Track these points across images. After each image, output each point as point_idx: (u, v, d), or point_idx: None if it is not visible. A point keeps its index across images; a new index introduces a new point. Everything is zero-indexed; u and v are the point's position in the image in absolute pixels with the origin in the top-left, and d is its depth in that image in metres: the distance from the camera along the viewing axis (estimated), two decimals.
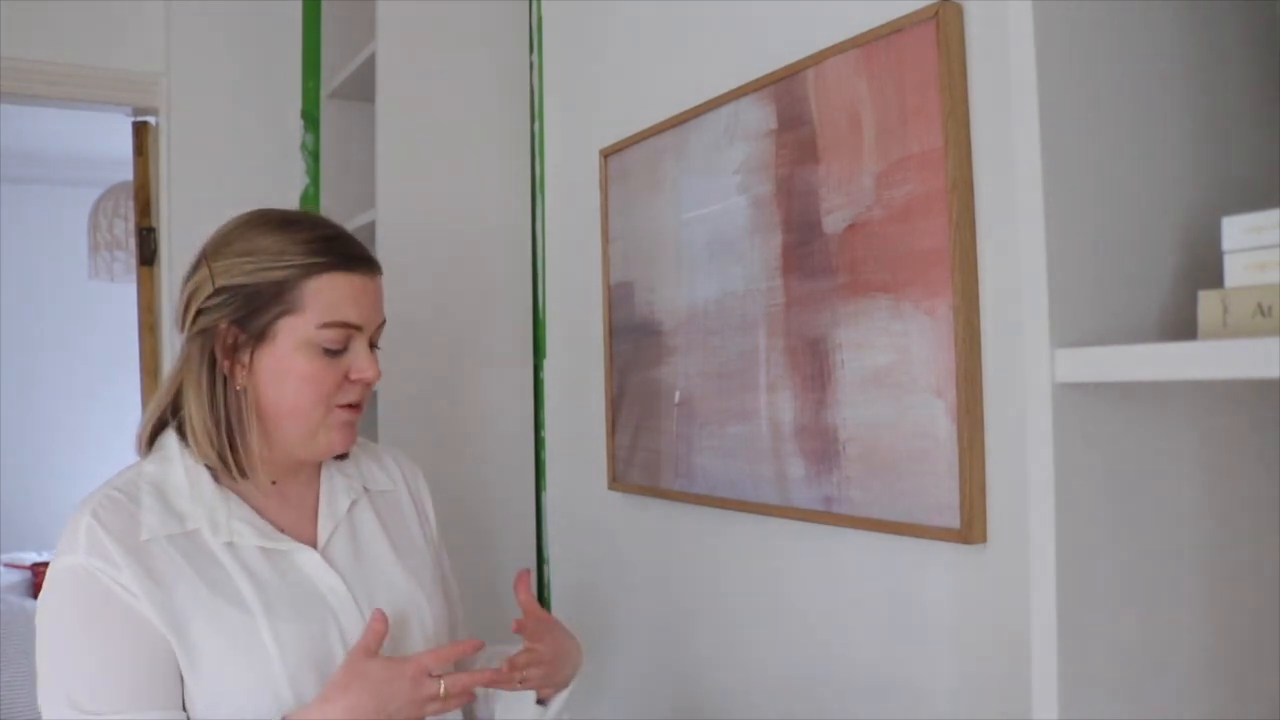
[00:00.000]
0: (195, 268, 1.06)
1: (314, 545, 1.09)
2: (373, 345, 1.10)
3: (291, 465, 1.11)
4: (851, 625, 1.28)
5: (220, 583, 1.00)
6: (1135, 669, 0.70)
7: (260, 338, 1.03)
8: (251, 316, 1.03)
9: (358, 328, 1.06)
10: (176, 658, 0.97)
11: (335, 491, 1.15)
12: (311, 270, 1.03)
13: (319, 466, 1.16)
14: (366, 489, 1.19)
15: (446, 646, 1.06)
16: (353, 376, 1.07)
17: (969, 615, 1.12)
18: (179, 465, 1.05)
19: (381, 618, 1.01)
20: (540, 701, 1.17)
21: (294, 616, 1.02)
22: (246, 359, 1.03)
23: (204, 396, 1.03)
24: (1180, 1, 0.75)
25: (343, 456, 1.18)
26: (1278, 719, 0.77)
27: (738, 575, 1.50)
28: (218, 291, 1.03)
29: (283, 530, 1.08)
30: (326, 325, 1.03)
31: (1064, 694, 0.66)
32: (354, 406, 1.09)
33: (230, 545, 1.03)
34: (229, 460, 1.04)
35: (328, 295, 1.03)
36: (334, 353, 1.05)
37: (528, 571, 1.16)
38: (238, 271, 1.03)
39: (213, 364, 1.04)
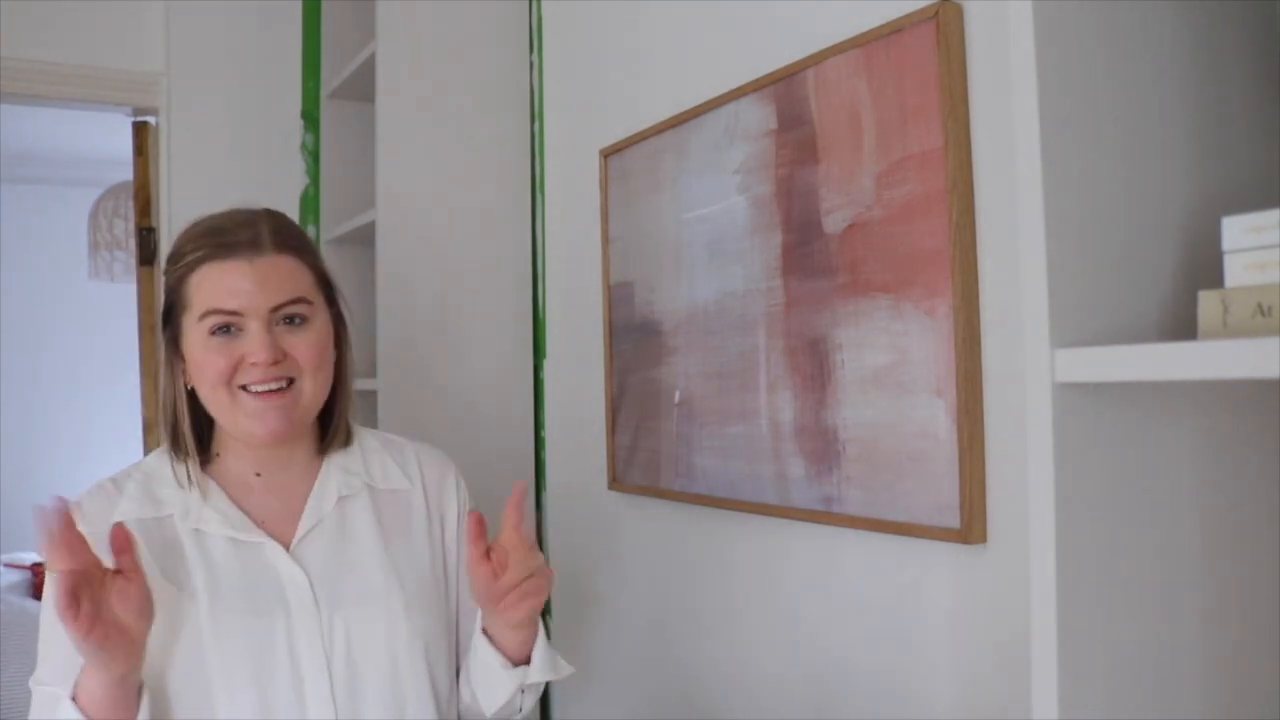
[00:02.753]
0: None
1: (291, 539, 1.11)
2: (302, 319, 1.09)
3: (269, 456, 1.13)
4: (851, 625, 1.28)
5: (174, 568, 1.05)
6: (1135, 669, 0.70)
7: (176, 337, 1.11)
8: (167, 319, 1.12)
9: (235, 313, 1.06)
10: None
11: (327, 487, 1.15)
12: (191, 266, 1.08)
13: (319, 460, 1.17)
14: (371, 486, 1.18)
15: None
16: (248, 360, 1.07)
17: (969, 615, 1.12)
18: (169, 456, 1.12)
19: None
20: (514, 662, 1.11)
21: (242, 607, 1.05)
22: (181, 359, 1.11)
23: (161, 398, 1.13)
24: (1180, 1, 0.75)
25: (328, 446, 1.18)
26: (1278, 719, 0.77)
27: (738, 575, 1.50)
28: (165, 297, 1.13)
29: (262, 523, 1.10)
30: (205, 315, 1.07)
31: (1064, 694, 0.66)
32: (267, 394, 1.06)
33: (198, 532, 1.07)
34: (181, 455, 1.11)
35: (205, 287, 1.07)
36: (224, 339, 1.07)
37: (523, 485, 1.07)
38: (166, 277, 1.13)
39: (171, 365, 1.12)
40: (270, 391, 1.07)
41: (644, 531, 1.72)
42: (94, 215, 3.63)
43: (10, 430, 4.82)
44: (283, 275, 1.09)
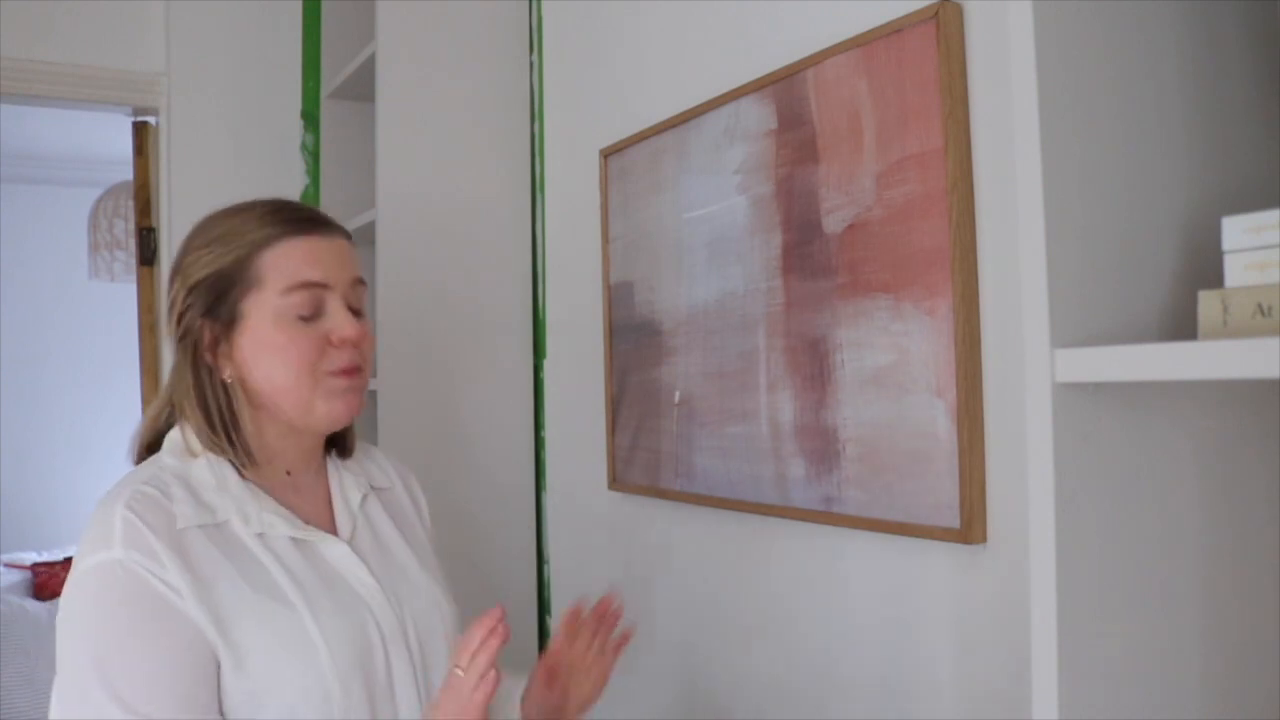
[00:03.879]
0: (171, 279, 1.07)
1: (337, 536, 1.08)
2: (357, 311, 1.07)
3: (304, 453, 1.10)
4: (852, 625, 1.28)
5: (259, 578, 0.99)
6: (1135, 669, 0.70)
7: (231, 322, 1.02)
8: (219, 304, 1.02)
9: (324, 285, 1.03)
10: (217, 658, 0.95)
11: (345, 485, 1.13)
12: (263, 243, 1.02)
13: (325, 463, 1.15)
14: (372, 486, 1.18)
15: (473, 629, 0.98)
16: (334, 339, 1.04)
17: (969, 615, 1.12)
18: (202, 460, 1.03)
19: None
20: None
21: (335, 610, 1.01)
22: (227, 348, 1.03)
23: (194, 399, 1.03)
24: (1180, 1, 0.75)
25: (343, 452, 1.17)
26: (1278, 719, 0.77)
27: (738, 575, 1.50)
28: (189, 291, 1.04)
29: (307, 521, 1.06)
30: (290, 290, 1.01)
31: (1064, 694, 0.66)
32: (348, 372, 1.05)
33: (262, 536, 1.01)
34: (230, 457, 1.03)
35: (284, 262, 1.02)
36: (308, 319, 1.03)
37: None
38: (201, 266, 1.04)
39: (198, 364, 1.04)
40: (352, 369, 1.05)
41: (644, 531, 1.72)
42: (94, 215, 3.63)
43: (10, 430, 4.82)
44: (350, 254, 1.09)
